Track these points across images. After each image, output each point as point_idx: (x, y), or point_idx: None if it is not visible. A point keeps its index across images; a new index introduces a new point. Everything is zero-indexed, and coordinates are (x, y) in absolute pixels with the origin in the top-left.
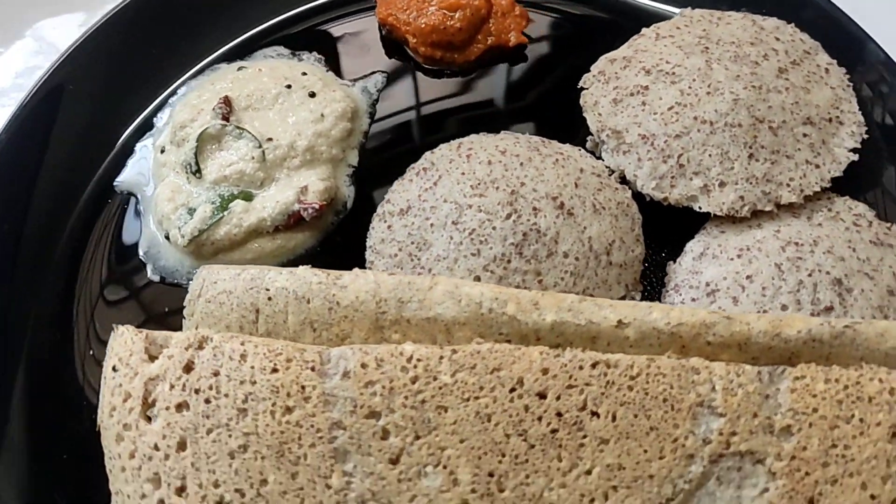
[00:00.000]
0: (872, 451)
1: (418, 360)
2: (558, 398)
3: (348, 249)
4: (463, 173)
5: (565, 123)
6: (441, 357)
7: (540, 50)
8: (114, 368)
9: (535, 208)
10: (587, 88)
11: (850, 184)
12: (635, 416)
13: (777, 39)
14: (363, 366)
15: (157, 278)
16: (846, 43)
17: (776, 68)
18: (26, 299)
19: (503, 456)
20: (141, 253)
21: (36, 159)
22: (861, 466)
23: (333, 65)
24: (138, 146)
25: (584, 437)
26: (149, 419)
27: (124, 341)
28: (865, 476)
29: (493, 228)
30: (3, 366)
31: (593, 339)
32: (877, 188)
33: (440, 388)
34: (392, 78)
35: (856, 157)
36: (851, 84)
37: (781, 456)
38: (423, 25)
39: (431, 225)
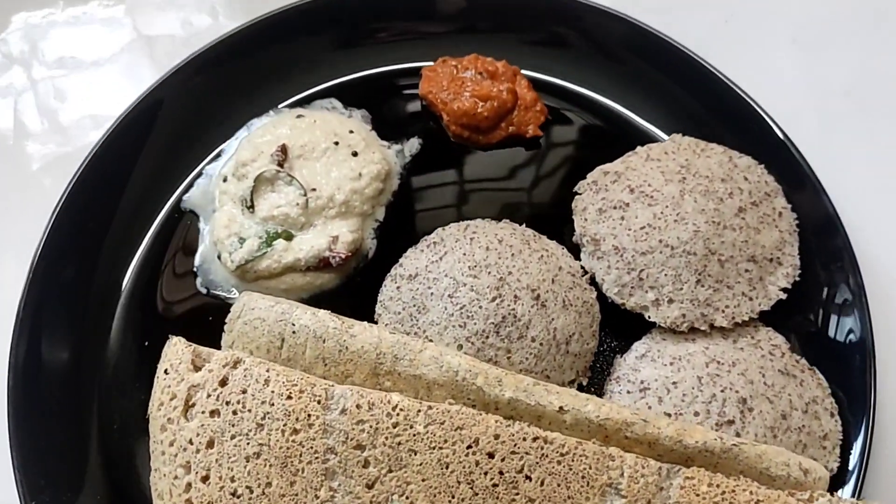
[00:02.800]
0: None
1: (401, 409)
2: (503, 460)
3: (364, 293)
4: (464, 254)
5: (557, 214)
6: (419, 410)
7: (551, 143)
8: (165, 371)
9: (516, 296)
10: (580, 194)
11: (774, 315)
12: (558, 485)
13: (745, 179)
14: (358, 406)
15: (204, 290)
16: (803, 191)
17: (737, 207)
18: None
19: (452, 497)
20: (195, 265)
21: (125, 171)
22: None
23: (377, 123)
24: (207, 169)
25: (517, 494)
26: (188, 418)
27: (176, 350)
28: None
29: (480, 307)
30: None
31: (539, 417)
32: (798, 326)
33: (414, 435)
34: (424, 145)
35: (784, 297)
36: (798, 230)
37: None
38: (455, 108)
39: (432, 294)
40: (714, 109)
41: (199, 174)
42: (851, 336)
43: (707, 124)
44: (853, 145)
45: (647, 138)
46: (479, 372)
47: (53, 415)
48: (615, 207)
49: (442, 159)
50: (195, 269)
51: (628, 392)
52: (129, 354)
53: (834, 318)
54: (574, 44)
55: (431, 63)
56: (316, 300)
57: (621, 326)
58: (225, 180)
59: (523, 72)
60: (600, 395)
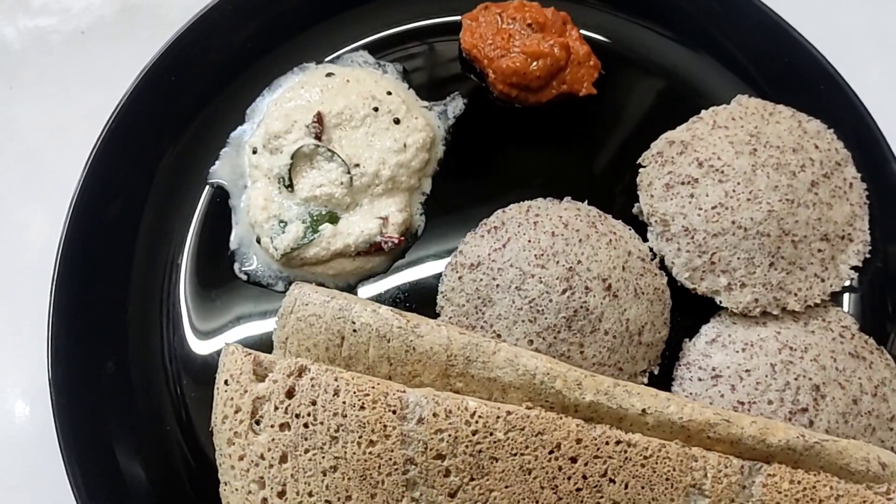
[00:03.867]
0: None
1: (479, 416)
2: (586, 464)
3: (415, 275)
4: (529, 241)
5: (618, 186)
6: (498, 417)
7: (605, 102)
8: (226, 382)
9: (587, 287)
10: (645, 167)
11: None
12: (643, 487)
13: (816, 147)
14: (434, 415)
15: (244, 277)
16: (872, 158)
17: (809, 181)
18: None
19: (536, 503)
20: (232, 248)
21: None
22: None
23: (414, 80)
24: (231, 137)
25: (601, 497)
26: (255, 432)
27: (234, 360)
28: None
29: (550, 301)
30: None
31: (620, 420)
32: (866, 304)
33: (495, 442)
34: (468, 105)
35: (855, 275)
36: (868, 202)
37: None
38: (504, 66)
39: (497, 285)
40: (778, 65)
41: (223, 143)
42: None
43: (770, 81)
44: None
45: (705, 92)
46: (557, 375)
47: None
48: (683, 183)
49: (488, 121)
50: (232, 253)
51: (699, 379)
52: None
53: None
54: None
55: (471, 10)
56: (366, 281)
57: (688, 307)
58: (255, 152)
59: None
60: (669, 380)
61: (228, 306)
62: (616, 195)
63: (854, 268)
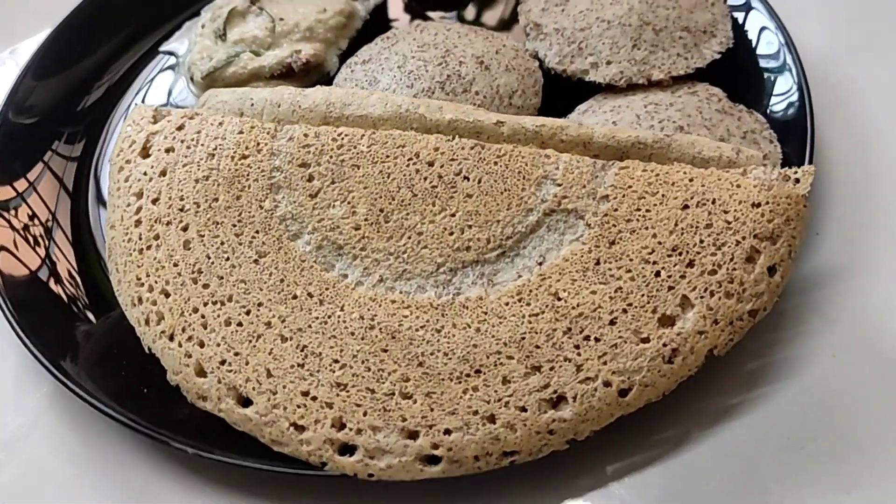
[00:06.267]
0: (666, 214)
1: (346, 135)
2: (441, 166)
3: None
4: (414, 39)
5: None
6: (363, 135)
7: None
8: (128, 126)
9: (460, 62)
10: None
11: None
12: (495, 181)
13: None
14: (305, 135)
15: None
16: None
17: None
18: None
19: (393, 200)
20: (170, 96)
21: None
22: (655, 223)
23: None
24: (186, 24)
25: (455, 191)
26: (144, 157)
27: (139, 111)
28: (656, 229)
29: (426, 71)
30: None
31: (478, 133)
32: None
33: (358, 153)
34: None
35: (718, 56)
36: (730, 15)
37: (597, 213)
38: None
39: (382, 69)
40: None
41: (179, 26)
42: (789, 91)
43: None
44: None
45: None
46: (420, 103)
47: None
48: (556, 5)
49: (403, 7)
50: (168, 102)
51: None
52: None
53: (769, 77)
54: None
55: None
56: None
57: (567, 99)
58: (203, 27)
59: None
60: None
61: None
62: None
63: (719, 53)
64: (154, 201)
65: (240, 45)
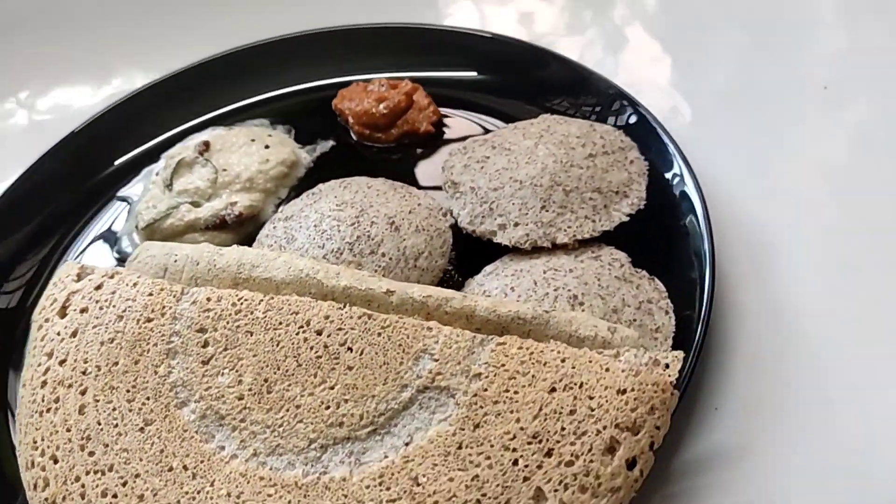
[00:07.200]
0: (533, 397)
1: (245, 299)
2: (329, 336)
3: None
4: (335, 196)
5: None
6: (261, 300)
7: (444, 141)
8: (54, 283)
9: (372, 222)
10: (450, 156)
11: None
12: (377, 353)
13: (601, 137)
14: (208, 299)
15: (116, 258)
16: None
17: (588, 153)
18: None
19: (278, 369)
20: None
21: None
22: (521, 406)
23: (299, 135)
24: (144, 170)
25: (338, 363)
26: (61, 317)
27: (66, 269)
28: (521, 413)
29: (338, 231)
30: None
31: (369, 302)
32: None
33: (253, 319)
34: (334, 147)
35: (626, 219)
36: (647, 173)
37: (467, 393)
38: (357, 109)
39: (300, 227)
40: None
41: (137, 172)
42: (693, 253)
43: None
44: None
45: None
46: (320, 269)
47: None
48: (477, 161)
49: (347, 156)
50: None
51: None
52: None
53: (677, 240)
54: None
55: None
56: None
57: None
58: (157, 174)
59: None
60: None
61: None
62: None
63: (628, 215)
64: (61, 363)
65: (183, 195)
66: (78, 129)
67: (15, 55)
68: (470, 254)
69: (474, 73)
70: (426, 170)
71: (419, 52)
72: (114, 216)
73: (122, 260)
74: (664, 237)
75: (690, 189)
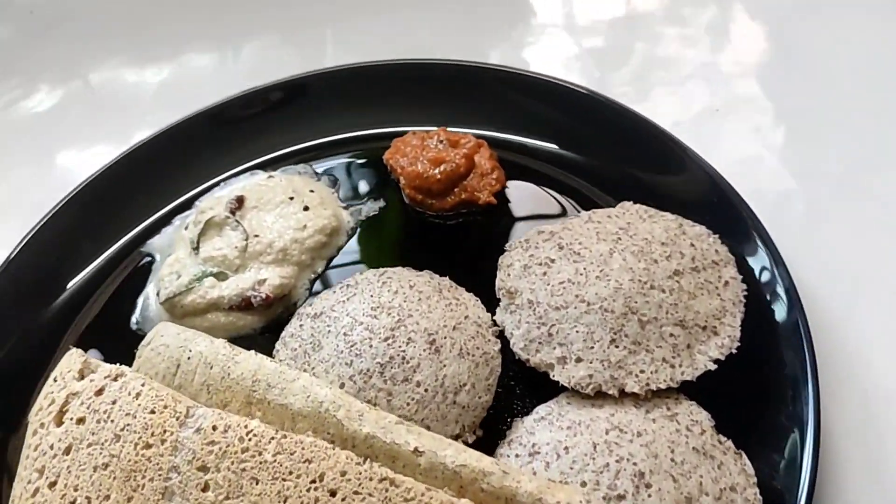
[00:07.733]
0: None
1: (254, 435)
2: (343, 499)
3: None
4: (371, 296)
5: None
6: (272, 438)
7: (506, 212)
8: (54, 379)
9: (409, 338)
10: (509, 251)
11: (704, 392)
12: None
13: (691, 245)
14: (214, 427)
15: (135, 326)
16: (760, 264)
17: (672, 270)
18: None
19: None
20: (139, 304)
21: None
22: None
23: (345, 187)
24: (177, 219)
25: None
26: (58, 424)
27: (70, 360)
28: None
29: (370, 346)
30: None
31: (393, 458)
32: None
33: (261, 462)
34: (383, 209)
35: (714, 367)
36: (744, 302)
37: None
38: (411, 171)
39: (329, 331)
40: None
41: (168, 222)
42: (792, 422)
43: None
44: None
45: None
46: (342, 405)
47: None
48: (540, 264)
49: (395, 220)
50: (136, 305)
51: (517, 455)
52: None
53: (775, 400)
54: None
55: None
56: (236, 342)
57: (537, 392)
58: (186, 227)
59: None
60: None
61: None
62: (483, 279)
63: (715, 361)
64: (51, 485)
65: (209, 262)
66: (108, 165)
67: None
68: (523, 378)
69: (555, 146)
70: (483, 244)
71: (493, 100)
72: (140, 271)
73: (140, 331)
74: (757, 394)
75: (796, 330)
